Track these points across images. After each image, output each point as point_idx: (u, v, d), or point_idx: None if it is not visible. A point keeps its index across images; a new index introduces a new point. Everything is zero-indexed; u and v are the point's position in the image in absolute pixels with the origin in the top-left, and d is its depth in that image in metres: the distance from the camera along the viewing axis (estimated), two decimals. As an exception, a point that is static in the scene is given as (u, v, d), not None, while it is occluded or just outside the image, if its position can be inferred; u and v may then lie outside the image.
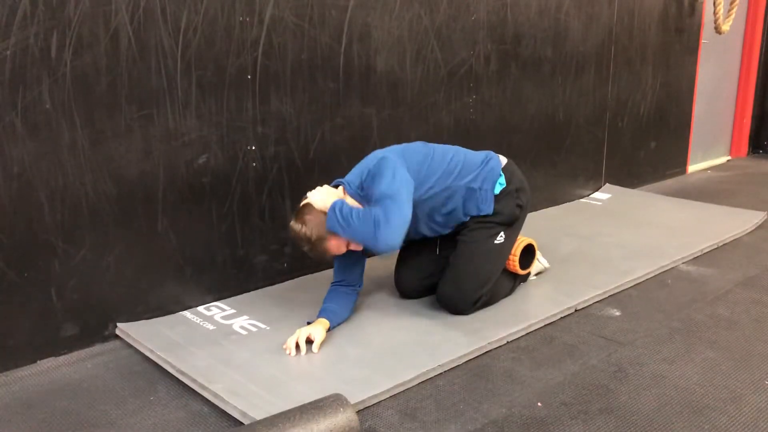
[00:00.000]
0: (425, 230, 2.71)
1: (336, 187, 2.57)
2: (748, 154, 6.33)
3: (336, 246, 2.43)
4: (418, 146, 2.70)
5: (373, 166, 2.49)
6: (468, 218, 2.71)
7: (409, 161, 2.55)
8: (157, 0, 2.46)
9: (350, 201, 2.50)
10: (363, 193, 2.51)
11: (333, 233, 2.38)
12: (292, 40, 2.86)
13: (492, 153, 2.81)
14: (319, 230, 2.39)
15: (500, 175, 2.72)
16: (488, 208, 2.68)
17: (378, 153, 2.61)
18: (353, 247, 2.46)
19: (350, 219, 2.35)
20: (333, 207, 2.39)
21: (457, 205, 2.67)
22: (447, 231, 2.76)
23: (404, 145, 2.71)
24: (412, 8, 3.29)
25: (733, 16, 5.17)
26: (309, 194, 2.49)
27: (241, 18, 2.69)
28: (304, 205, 2.46)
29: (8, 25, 2.16)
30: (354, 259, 2.65)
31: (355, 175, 2.57)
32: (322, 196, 2.45)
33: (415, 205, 2.48)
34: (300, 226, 2.41)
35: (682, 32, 5.11)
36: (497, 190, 2.70)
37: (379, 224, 2.31)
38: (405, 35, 3.28)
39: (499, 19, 3.73)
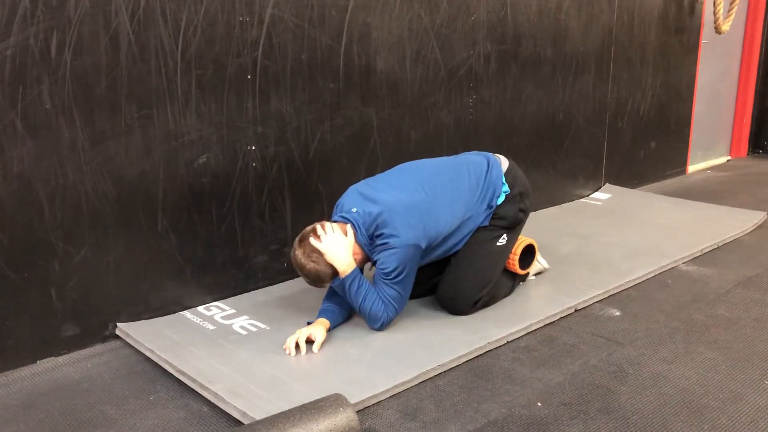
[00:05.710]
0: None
1: (337, 221, 2.54)
2: (748, 154, 6.33)
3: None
4: (420, 197, 2.56)
5: (386, 231, 2.45)
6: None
7: (416, 226, 2.48)
8: (157, 0, 2.46)
9: (357, 250, 2.49)
10: (370, 248, 2.52)
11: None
12: (292, 40, 2.86)
13: (492, 158, 2.81)
14: (324, 273, 2.45)
15: (503, 184, 2.73)
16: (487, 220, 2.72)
17: (384, 208, 2.49)
18: None
19: (357, 300, 2.46)
20: (344, 281, 2.44)
21: (464, 231, 2.68)
22: None
23: (407, 197, 2.55)
24: (412, 8, 3.29)
25: (733, 16, 5.18)
26: (321, 235, 2.43)
27: (241, 18, 2.69)
28: (314, 249, 2.42)
29: (8, 25, 2.16)
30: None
31: (362, 215, 2.50)
32: (335, 253, 2.42)
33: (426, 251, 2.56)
34: (306, 262, 2.44)
35: (682, 32, 5.11)
36: (501, 198, 2.72)
37: (377, 320, 2.49)
38: (405, 35, 3.28)
39: (499, 19, 3.73)
